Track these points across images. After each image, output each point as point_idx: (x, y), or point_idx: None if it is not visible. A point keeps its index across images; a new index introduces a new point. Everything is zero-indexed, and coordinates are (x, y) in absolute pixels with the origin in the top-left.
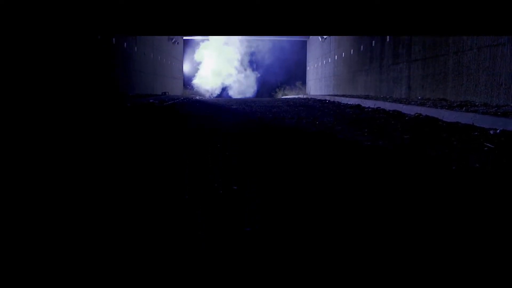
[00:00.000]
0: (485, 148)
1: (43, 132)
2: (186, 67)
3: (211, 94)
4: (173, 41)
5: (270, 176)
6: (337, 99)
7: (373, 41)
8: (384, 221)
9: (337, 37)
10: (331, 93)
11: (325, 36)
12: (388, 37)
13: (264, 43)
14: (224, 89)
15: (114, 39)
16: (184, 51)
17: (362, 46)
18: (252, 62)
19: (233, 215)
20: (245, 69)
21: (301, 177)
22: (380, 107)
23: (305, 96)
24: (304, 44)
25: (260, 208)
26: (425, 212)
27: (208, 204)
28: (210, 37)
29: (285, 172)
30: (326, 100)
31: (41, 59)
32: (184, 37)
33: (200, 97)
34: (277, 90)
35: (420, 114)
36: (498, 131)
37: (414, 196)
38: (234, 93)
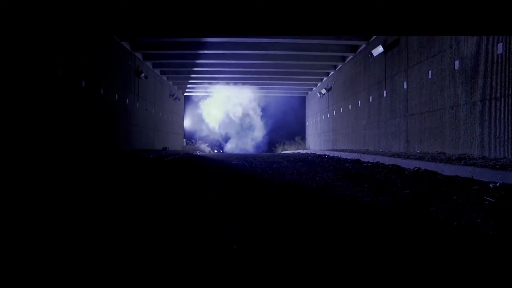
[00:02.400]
0: (486, 202)
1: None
2: (187, 123)
3: (211, 150)
4: (174, 97)
5: (270, 235)
6: (336, 153)
7: (371, 97)
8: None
9: (335, 92)
10: (330, 148)
11: (323, 92)
12: (385, 92)
13: (263, 99)
14: (224, 144)
15: (117, 95)
16: (185, 107)
17: (360, 102)
18: (252, 118)
19: (234, 277)
20: (245, 125)
21: (301, 238)
22: (379, 162)
23: (304, 151)
24: (303, 100)
25: (260, 272)
26: (424, 274)
27: (210, 265)
28: (211, 93)
29: (285, 232)
30: (325, 155)
31: (39, 113)
32: (185, 93)
33: (201, 153)
34: (276, 145)
35: (419, 168)
36: (497, 184)
37: (415, 256)
38: (234, 148)
